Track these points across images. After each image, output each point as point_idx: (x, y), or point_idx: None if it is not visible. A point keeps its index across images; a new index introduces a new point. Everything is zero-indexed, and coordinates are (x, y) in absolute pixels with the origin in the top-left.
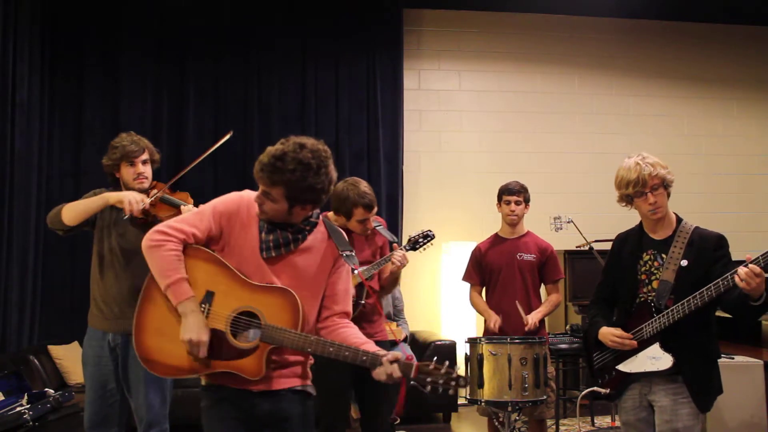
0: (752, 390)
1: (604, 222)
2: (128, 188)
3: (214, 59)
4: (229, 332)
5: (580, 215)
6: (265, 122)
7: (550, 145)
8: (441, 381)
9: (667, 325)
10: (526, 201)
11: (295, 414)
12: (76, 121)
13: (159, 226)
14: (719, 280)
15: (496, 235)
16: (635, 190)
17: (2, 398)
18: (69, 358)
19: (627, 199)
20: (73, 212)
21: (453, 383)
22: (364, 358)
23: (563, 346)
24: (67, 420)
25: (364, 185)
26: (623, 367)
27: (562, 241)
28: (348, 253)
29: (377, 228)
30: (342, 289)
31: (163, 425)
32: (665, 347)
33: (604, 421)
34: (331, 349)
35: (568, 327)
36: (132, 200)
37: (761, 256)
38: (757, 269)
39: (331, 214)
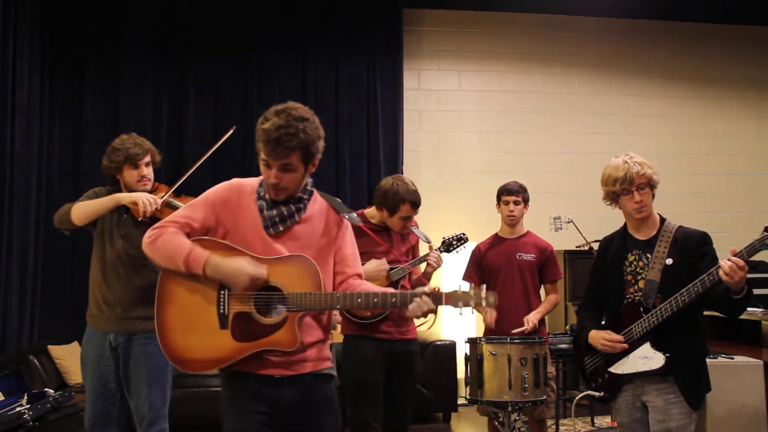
0: (752, 390)
1: (604, 222)
2: (130, 190)
3: (214, 59)
4: (255, 311)
5: (580, 215)
6: None
7: (550, 145)
8: (472, 302)
9: (657, 324)
10: (525, 201)
11: (320, 399)
12: (76, 121)
13: (154, 225)
14: (705, 275)
15: (496, 235)
16: (622, 187)
17: (2, 398)
18: (69, 358)
19: (612, 197)
20: (83, 212)
21: (483, 302)
22: (394, 299)
23: (563, 346)
24: (67, 420)
25: (411, 182)
26: (615, 369)
27: (562, 241)
28: (349, 214)
29: (411, 228)
30: (350, 253)
31: (163, 425)
32: (656, 346)
33: (603, 421)
34: (359, 300)
35: (568, 327)
36: (146, 201)
37: (744, 249)
38: (741, 262)
39: (370, 210)
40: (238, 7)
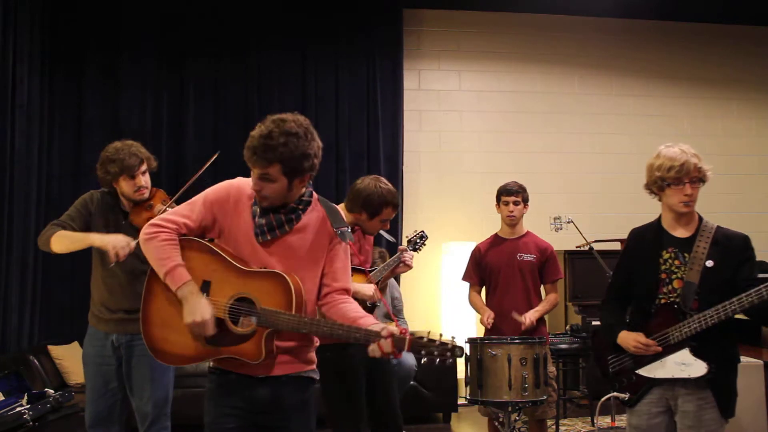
0: (752, 390)
1: (604, 222)
2: (128, 200)
3: (214, 59)
4: (228, 319)
5: (580, 215)
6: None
7: (550, 145)
8: (436, 352)
9: (699, 330)
10: (525, 201)
11: (294, 401)
12: (76, 122)
13: (152, 221)
14: (762, 286)
15: (496, 235)
16: (676, 176)
17: (2, 398)
18: (69, 358)
19: (659, 186)
20: (61, 245)
21: (449, 353)
22: (357, 335)
23: (563, 346)
24: (67, 420)
25: (390, 184)
26: (646, 372)
27: (562, 241)
28: (343, 229)
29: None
30: (341, 266)
31: (165, 423)
32: (696, 353)
33: (604, 421)
34: (325, 328)
35: (568, 327)
36: (117, 246)
37: None
38: None
39: (342, 206)
40: (238, 7)
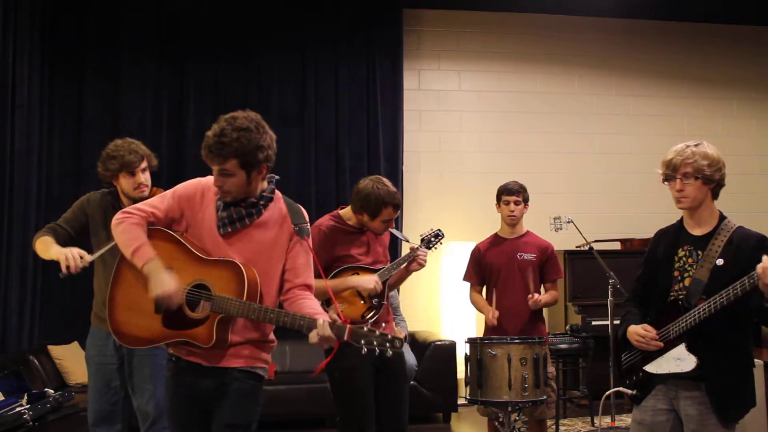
0: None
1: (604, 222)
2: (128, 197)
3: (213, 59)
4: (185, 304)
5: (580, 215)
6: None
7: (550, 145)
8: (376, 342)
9: (693, 325)
10: (525, 201)
11: (235, 391)
12: (76, 122)
13: (123, 209)
14: (746, 277)
15: (496, 235)
16: (665, 172)
17: (2, 398)
18: (69, 358)
19: (665, 179)
20: (39, 251)
21: (388, 345)
22: (301, 322)
23: (563, 346)
24: (67, 420)
25: (390, 184)
26: (649, 367)
27: (562, 241)
28: (302, 225)
29: (389, 228)
30: (302, 263)
31: (166, 423)
32: (691, 348)
33: (604, 421)
34: (271, 315)
35: (568, 327)
36: (69, 258)
37: None
38: None
39: (346, 211)
40: (238, 7)
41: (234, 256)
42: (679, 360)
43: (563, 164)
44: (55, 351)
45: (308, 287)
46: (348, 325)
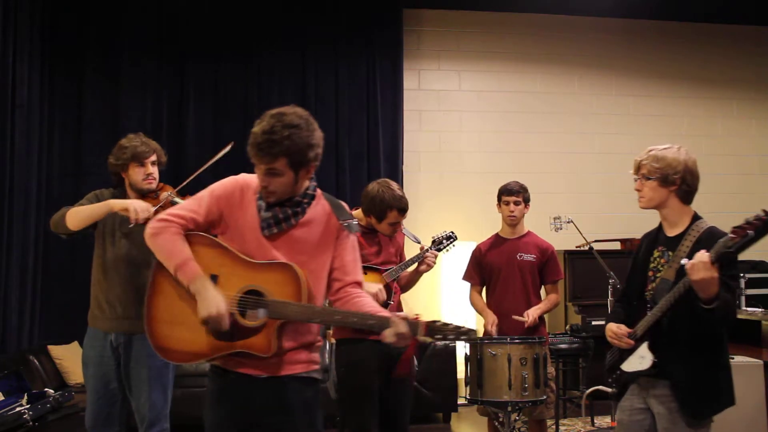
0: (752, 390)
1: (604, 222)
2: (135, 188)
3: (214, 59)
4: (238, 312)
5: (580, 215)
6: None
7: (550, 145)
8: (452, 336)
9: (651, 324)
10: (526, 201)
11: (297, 402)
12: (76, 122)
13: (159, 216)
14: (680, 282)
15: (497, 235)
16: (633, 172)
17: (2, 398)
18: (69, 358)
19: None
20: (77, 218)
21: (464, 337)
22: (372, 321)
23: (563, 346)
24: (67, 420)
25: (397, 187)
26: (623, 365)
27: (562, 241)
28: (350, 221)
29: (400, 229)
30: (350, 260)
31: (164, 424)
32: (651, 347)
33: (603, 421)
34: (337, 317)
35: (568, 327)
36: (138, 208)
37: (713, 248)
38: (705, 258)
39: (357, 212)
40: (237, 7)
41: (280, 258)
42: (642, 358)
43: (563, 164)
44: (55, 351)
45: (359, 284)
46: (422, 321)
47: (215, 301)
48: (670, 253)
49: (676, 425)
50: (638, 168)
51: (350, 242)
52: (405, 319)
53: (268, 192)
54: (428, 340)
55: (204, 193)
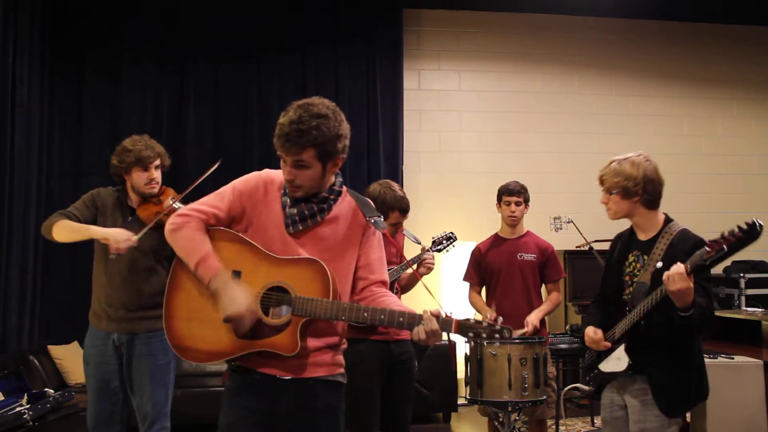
0: (752, 390)
1: (604, 222)
2: (138, 192)
3: (214, 59)
4: (261, 310)
5: (580, 215)
6: (265, 123)
7: (550, 145)
8: (484, 334)
9: (628, 328)
10: (526, 201)
11: (322, 406)
12: (76, 122)
13: (179, 211)
14: (656, 291)
15: (496, 235)
16: (599, 184)
17: (2, 398)
18: (69, 358)
19: None
20: (61, 233)
21: (497, 335)
22: (401, 318)
23: (563, 346)
24: (67, 420)
25: (398, 188)
26: (601, 365)
27: (562, 241)
28: (376, 218)
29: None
30: (376, 258)
31: (165, 423)
32: (628, 349)
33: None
34: (365, 314)
35: (568, 327)
36: (119, 238)
37: (689, 260)
38: (681, 269)
39: None
40: (237, 7)
41: (304, 255)
42: (619, 359)
43: (563, 164)
44: (55, 351)
45: (384, 284)
46: (454, 318)
47: (237, 299)
48: (645, 257)
49: (646, 417)
50: (600, 182)
51: (376, 240)
52: (437, 316)
53: (294, 186)
54: (462, 336)
55: (226, 189)
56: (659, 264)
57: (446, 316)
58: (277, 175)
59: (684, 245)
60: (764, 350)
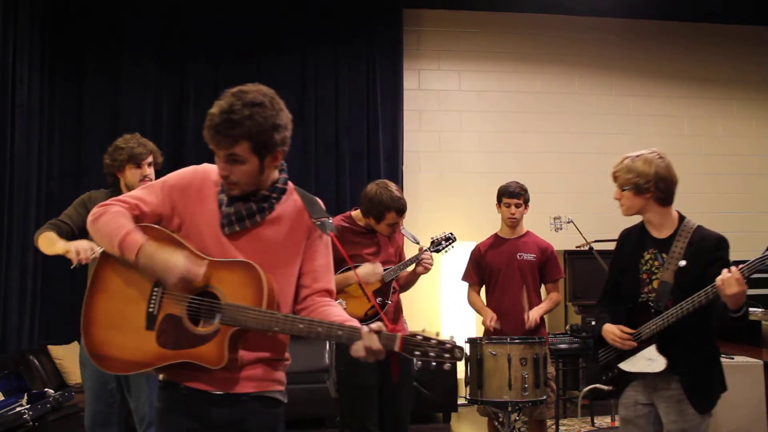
0: (752, 390)
1: (604, 222)
2: (131, 189)
3: (213, 60)
4: (186, 317)
5: (580, 215)
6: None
7: (550, 145)
8: (432, 353)
9: (663, 328)
10: (526, 202)
11: (257, 425)
12: (76, 121)
13: (101, 203)
14: (709, 286)
15: (496, 235)
16: (613, 181)
17: (2, 398)
18: (69, 358)
19: None
20: (44, 246)
21: (447, 355)
22: (340, 332)
23: (563, 346)
24: (67, 420)
25: (395, 189)
26: (624, 365)
27: (562, 241)
28: (323, 219)
29: (399, 229)
30: (322, 264)
31: None
32: (660, 349)
33: (604, 421)
34: (301, 326)
35: (568, 327)
36: (80, 249)
37: (746, 265)
38: (738, 275)
39: (357, 212)
40: (238, 8)
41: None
42: (651, 360)
43: (563, 164)
44: (55, 351)
45: (329, 293)
46: (399, 334)
47: (171, 261)
48: (664, 255)
49: (685, 417)
50: (614, 178)
51: (323, 244)
52: (378, 331)
53: (229, 183)
54: (407, 356)
55: (156, 182)
56: (682, 263)
57: (389, 331)
58: (215, 169)
59: (706, 242)
60: (764, 350)
